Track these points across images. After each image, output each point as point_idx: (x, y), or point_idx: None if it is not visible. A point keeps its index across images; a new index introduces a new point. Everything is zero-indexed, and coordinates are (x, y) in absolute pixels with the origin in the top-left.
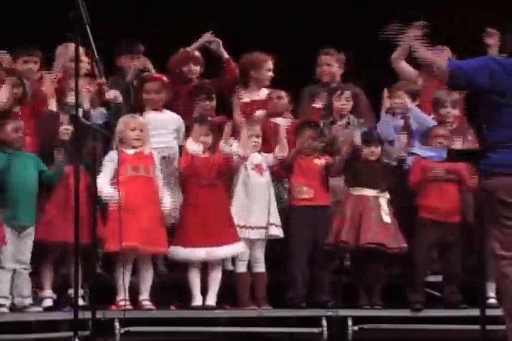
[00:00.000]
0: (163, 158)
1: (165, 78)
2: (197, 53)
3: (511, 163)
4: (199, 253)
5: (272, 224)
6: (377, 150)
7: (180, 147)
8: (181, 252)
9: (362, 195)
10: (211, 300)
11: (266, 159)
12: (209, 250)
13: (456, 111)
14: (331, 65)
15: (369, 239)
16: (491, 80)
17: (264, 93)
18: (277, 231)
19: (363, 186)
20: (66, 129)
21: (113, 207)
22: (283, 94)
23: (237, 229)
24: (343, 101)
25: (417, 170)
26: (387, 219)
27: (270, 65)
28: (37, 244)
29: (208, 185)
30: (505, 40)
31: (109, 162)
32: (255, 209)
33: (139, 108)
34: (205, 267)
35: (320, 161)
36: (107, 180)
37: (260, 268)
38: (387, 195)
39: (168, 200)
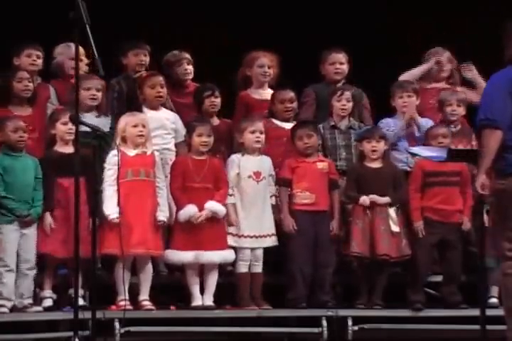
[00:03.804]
0: (161, 159)
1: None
2: (187, 54)
3: None
4: (189, 256)
5: (267, 236)
6: (380, 145)
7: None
8: (171, 255)
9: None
10: (208, 300)
11: (267, 169)
12: (199, 254)
13: (461, 110)
14: (344, 63)
15: (383, 251)
16: None
17: (268, 93)
18: (271, 242)
19: (371, 194)
20: (70, 129)
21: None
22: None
23: (235, 237)
24: (344, 102)
25: (417, 177)
26: (395, 228)
27: (263, 61)
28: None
29: (199, 188)
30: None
31: (111, 169)
32: (250, 218)
33: (139, 107)
34: (203, 268)
35: (323, 164)
36: (111, 198)
37: (257, 268)
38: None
39: (164, 209)
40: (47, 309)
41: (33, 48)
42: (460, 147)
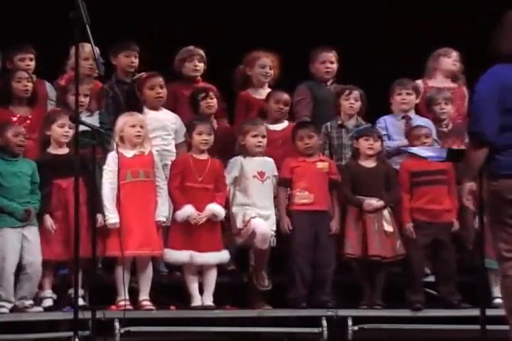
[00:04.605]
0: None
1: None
2: (201, 51)
3: None
4: (185, 256)
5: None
6: (377, 144)
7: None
8: (168, 254)
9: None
10: (208, 300)
11: (271, 170)
12: (195, 254)
13: (449, 108)
14: (334, 62)
15: (375, 252)
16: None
17: (266, 92)
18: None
19: (364, 195)
20: (66, 132)
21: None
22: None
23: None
24: (352, 101)
25: (404, 178)
26: (389, 228)
27: (264, 61)
28: None
29: (199, 189)
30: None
31: (110, 171)
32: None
33: (140, 108)
34: (202, 268)
35: (323, 164)
36: (111, 201)
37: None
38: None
39: (163, 209)
40: (47, 309)
41: (25, 52)
42: (454, 147)
